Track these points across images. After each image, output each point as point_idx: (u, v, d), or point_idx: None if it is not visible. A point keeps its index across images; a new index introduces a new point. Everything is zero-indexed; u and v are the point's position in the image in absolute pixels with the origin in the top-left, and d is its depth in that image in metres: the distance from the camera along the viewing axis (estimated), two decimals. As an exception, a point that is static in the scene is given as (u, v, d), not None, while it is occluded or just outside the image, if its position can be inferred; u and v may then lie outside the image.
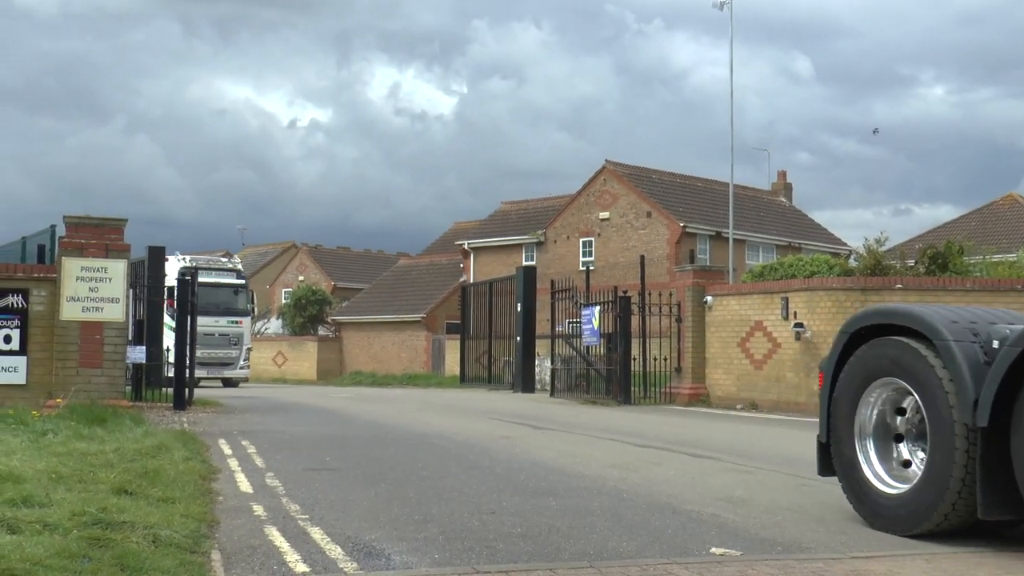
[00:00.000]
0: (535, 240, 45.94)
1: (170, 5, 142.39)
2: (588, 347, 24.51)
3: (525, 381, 29.36)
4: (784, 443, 13.29)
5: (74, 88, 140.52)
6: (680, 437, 13.78)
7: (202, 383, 32.39)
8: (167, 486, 7.62)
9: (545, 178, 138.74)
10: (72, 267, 14.75)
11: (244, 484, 8.60)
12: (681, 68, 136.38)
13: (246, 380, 35.38)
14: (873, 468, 6.95)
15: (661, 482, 9.05)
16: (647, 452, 11.74)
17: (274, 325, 56.86)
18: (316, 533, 6.42)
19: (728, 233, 35.35)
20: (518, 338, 30.09)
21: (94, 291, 14.75)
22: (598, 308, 23.65)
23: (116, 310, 14.90)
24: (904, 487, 6.72)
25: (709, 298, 22.33)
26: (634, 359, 22.64)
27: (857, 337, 7.11)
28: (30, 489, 6.78)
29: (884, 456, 6.96)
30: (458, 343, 37.86)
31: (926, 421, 6.54)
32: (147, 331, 18.96)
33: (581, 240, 44.17)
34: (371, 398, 25.59)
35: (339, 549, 5.95)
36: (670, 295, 23.42)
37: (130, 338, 17.02)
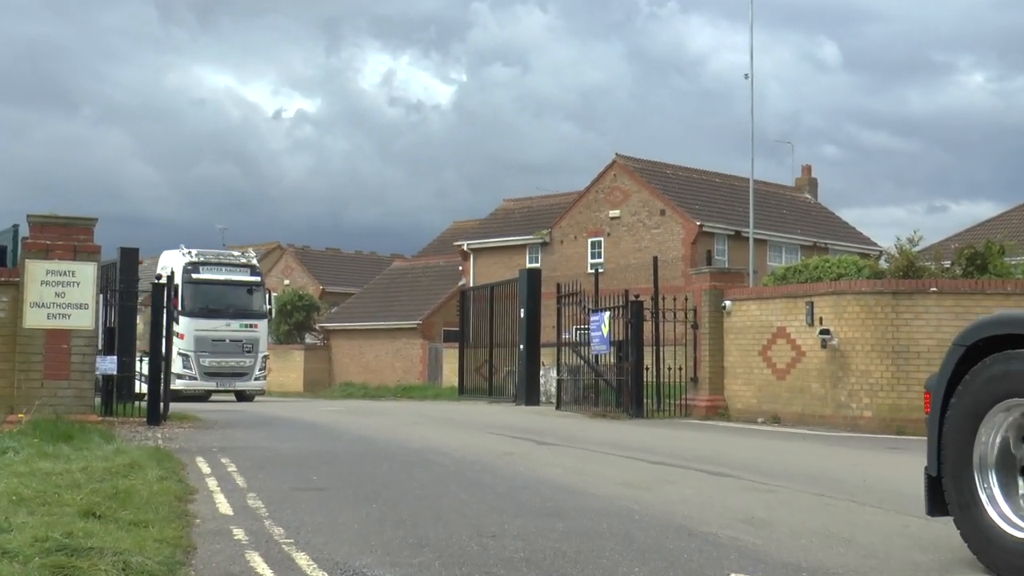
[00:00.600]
0: (540, 240, 46.01)
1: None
2: (597, 356, 24.51)
3: (529, 393, 29.35)
4: (809, 459, 13.29)
5: (40, 75, 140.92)
6: (696, 453, 13.78)
7: (212, 397, 31.76)
8: (139, 508, 7.59)
9: (551, 173, 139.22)
10: (37, 270, 14.75)
11: (224, 505, 8.58)
12: (697, 54, 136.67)
13: (263, 393, 33.28)
14: (998, 508, 6.19)
15: (676, 502, 9.04)
16: (661, 469, 11.73)
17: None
18: (301, 559, 6.41)
19: (748, 232, 35.39)
20: (521, 346, 30.09)
21: (61, 296, 14.75)
22: (608, 314, 23.64)
23: (85, 317, 14.90)
24: None
25: (728, 303, 22.31)
26: (647, 369, 22.65)
27: (975, 351, 6.32)
28: (-11, 512, 6.76)
29: (1009, 493, 6.25)
30: (456, 352, 37.90)
31: None
32: (119, 339, 18.97)
33: (589, 240, 44.23)
34: (362, 411, 25.59)
35: (326, 576, 5.92)
36: (685, 299, 23.42)
37: (100, 347, 17.03)
